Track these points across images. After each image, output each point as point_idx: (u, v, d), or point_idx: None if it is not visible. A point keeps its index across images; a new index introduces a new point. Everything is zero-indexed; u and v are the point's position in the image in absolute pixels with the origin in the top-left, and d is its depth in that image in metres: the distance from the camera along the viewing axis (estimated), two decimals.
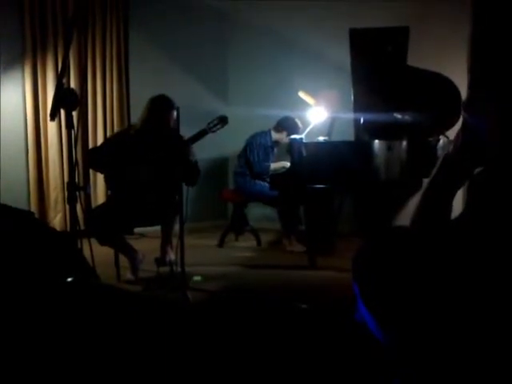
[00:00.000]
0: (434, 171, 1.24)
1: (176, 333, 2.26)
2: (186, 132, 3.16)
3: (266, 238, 4.60)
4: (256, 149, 4.28)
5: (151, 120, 3.30)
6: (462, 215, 1.13)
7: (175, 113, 3.27)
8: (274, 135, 4.36)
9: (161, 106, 3.30)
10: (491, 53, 1.13)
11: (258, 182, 4.26)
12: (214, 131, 3.21)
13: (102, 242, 3.15)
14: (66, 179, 4.38)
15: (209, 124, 3.19)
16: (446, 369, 1.04)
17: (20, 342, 1.83)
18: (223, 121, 3.20)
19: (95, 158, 3.34)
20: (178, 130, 3.31)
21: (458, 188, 1.23)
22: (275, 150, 4.41)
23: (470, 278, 1.06)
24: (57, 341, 1.87)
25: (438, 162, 1.25)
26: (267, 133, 4.37)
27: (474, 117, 1.16)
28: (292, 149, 4.26)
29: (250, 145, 4.32)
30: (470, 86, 1.17)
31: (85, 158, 3.46)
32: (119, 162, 3.23)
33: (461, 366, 1.03)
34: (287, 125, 4.30)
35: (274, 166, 4.22)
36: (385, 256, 1.16)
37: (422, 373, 1.07)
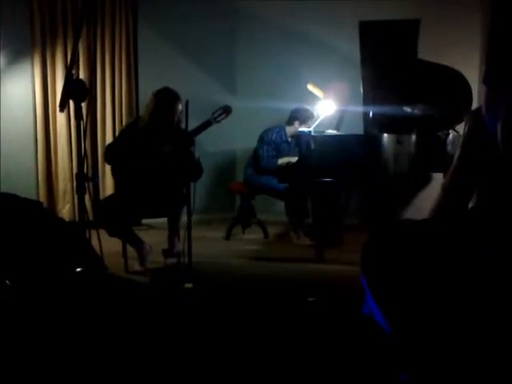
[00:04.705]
0: (455, 159, 1.23)
1: (182, 324, 2.27)
2: (194, 125, 3.15)
3: (273, 231, 4.60)
4: (266, 144, 4.25)
5: (157, 113, 3.28)
6: (472, 208, 1.13)
7: (180, 106, 3.27)
8: (289, 130, 4.33)
9: (165, 99, 3.26)
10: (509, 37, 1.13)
11: (265, 174, 4.25)
12: (218, 121, 3.21)
13: (111, 233, 3.17)
14: (74, 170, 4.40)
15: (213, 114, 3.19)
16: (454, 363, 1.04)
17: (28, 332, 1.85)
18: (227, 111, 3.20)
19: (115, 154, 3.30)
20: (181, 124, 3.31)
21: (477, 179, 1.21)
22: (292, 144, 4.37)
23: (476, 271, 1.05)
24: (65, 330, 1.88)
25: (458, 151, 1.24)
26: (281, 129, 4.33)
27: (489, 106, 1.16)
28: (300, 142, 4.26)
29: (261, 139, 4.30)
30: (488, 60, 1.17)
31: (104, 155, 3.45)
32: (130, 154, 3.24)
33: (469, 360, 1.03)
34: (297, 114, 4.27)
35: (280, 161, 4.21)
36: (393, 249, 1.16)
37: (428, 366, 1.07)
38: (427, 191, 4.51)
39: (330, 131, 4.11)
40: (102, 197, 4.35)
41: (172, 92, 3.29)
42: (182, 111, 3.26)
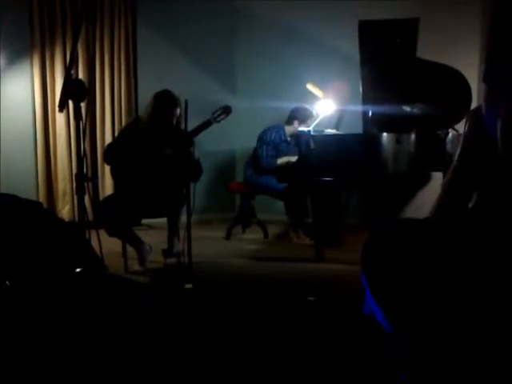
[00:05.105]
0: (455, 159, 1.23)
1: (182, 324, 2.27)
2: (193, 124, 3.15)
3: (273, 231, 4.60)
4: (265, 144, 4.25)
5: (155, 115, 3.28)
6: (472, 207, 1.13)
7: (178, 110, 3.28)
8: (288, 129, 4.33)
9: (163, 101, 3.27)
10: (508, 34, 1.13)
11: (264, 174, 4.24)
12: (218, 121, 3.21)
13: (111, 233, 3.17)
14: (74, 170, 4.40)
15: (213, 114, 3.20)
16: (454, 362, 1.04)
17: (29, 332, 1.85)
18: (227, 110, 3.20)
19: (114, 154, 3.30)
20: (180, 125, 3.31)
21: (477, 178, 1.21)
22: (291, 143, 4.37)
23: (476, 270, 1.05)
24: (65, 330, 1.88)
25: (458, 150, 1.24)
26: (280, 128, 4.33)
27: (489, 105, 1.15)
28: (300, 141, 4.26)
29: (260, 139, 4.31)
30: (488, 59, 1.17)
31: (104, 155, 3.47)
32: (129, 154, 3.24)
33: (469, 360, 1.03)
34: (297, 114, 4.28)
35: (279, 161, 4.21)
36: (394, 247, 1.16)
37: (428, 366, 1.07)
38: (427, 190, 4.51)
39: (330, 130, 4.11)
40: (101, 197, 4.35)
41: (170, 95, 3.29)
42: (180, 114, 3.26)
